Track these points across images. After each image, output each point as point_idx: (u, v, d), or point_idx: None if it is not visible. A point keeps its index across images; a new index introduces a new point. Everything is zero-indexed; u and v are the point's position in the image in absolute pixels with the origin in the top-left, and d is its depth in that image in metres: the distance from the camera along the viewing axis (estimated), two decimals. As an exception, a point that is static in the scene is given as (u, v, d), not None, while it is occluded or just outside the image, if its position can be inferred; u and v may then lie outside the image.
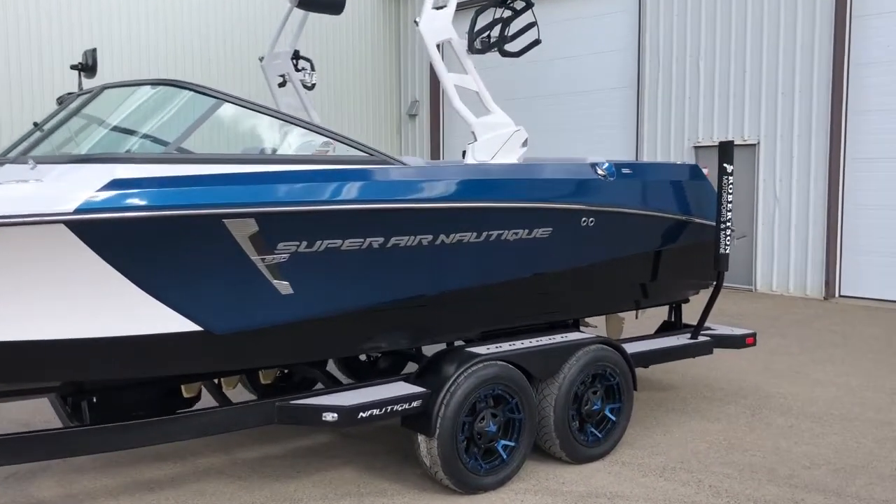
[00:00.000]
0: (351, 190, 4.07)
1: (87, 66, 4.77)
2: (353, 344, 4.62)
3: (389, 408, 4.32)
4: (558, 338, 5.12)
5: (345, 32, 17.02)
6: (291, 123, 4.23)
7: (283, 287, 3.98)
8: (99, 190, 3.42)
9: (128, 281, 3.59)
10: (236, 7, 14.51)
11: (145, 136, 4.07)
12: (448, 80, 4.80)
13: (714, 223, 5.67)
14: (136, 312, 3.66)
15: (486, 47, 4.93)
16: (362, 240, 4.12)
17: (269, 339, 4.11)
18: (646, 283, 5.76)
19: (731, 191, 5.61)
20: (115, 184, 3.47)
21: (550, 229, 4.84)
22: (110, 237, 3.48)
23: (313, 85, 6.41)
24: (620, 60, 13.90)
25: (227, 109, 3.93)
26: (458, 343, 5.24)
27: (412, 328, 4.73)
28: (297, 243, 3.93)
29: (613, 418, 5.19)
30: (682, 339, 5.98)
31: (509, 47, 4.98)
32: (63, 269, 3.47)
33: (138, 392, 4.54)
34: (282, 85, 6.33)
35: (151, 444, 4.19)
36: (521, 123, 5.03)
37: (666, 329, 6.44)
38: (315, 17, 15.13)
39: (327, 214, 3.97)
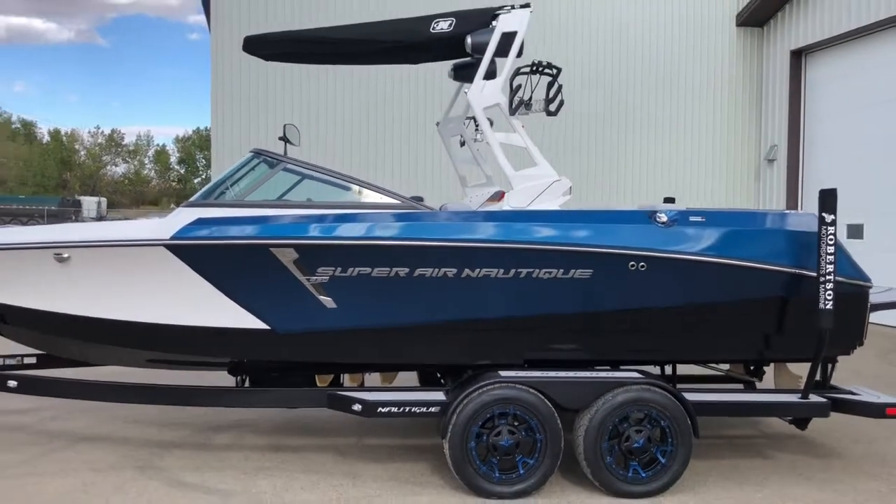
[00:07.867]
0: (375, 228, 5.18)
1: (287, 139, 6.50)
2: (390, 355, 5.63)
3: (407, 408, 5.26)
4: (596, 373, 5.44)
5: (700, 67, 17.20)
6: (329, 181, 5.51)
7: (328, 301, 5.25)
8: (187, 225, 5.15)
9: (213, 287, 5.23)
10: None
11: (228, 188, 5.67)
12: (493, 138, 5.56)
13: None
14: (212, 309, 5.26)
15: (529, 108, 5.55)
16: (388, 269, 5.18)
17: (319, 342, 5.39)
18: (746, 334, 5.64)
19: (831, 241, 5.24)
20: (198, 221, 5.16)
21: (591, 271, 5.24)
22: (196, 256, 5.16)
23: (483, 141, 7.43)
24: None
25: (288, 172, 5.44)
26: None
27: (447, 348, 5.54)
28: (333, 269, 5.17)
29: (663, 460, 5.29)
30: (786, 396, 5.65)
31: (551, 107, 5.53)
32: (168, 279, 5.23)
33: (282, 376, 6.16)
34: (462, 144, 7.51)
35: (241, 406, 5.92)
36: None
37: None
38: (661, 57, 16.10)
39: (353, 248, 5.14)
